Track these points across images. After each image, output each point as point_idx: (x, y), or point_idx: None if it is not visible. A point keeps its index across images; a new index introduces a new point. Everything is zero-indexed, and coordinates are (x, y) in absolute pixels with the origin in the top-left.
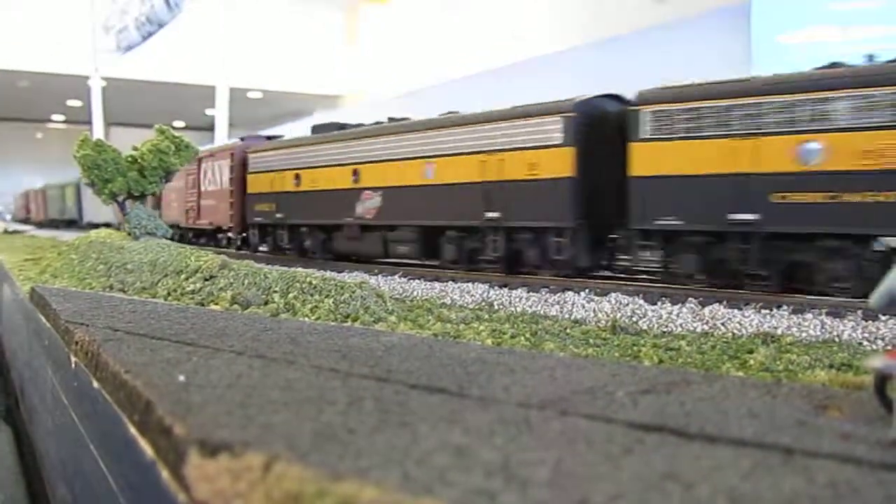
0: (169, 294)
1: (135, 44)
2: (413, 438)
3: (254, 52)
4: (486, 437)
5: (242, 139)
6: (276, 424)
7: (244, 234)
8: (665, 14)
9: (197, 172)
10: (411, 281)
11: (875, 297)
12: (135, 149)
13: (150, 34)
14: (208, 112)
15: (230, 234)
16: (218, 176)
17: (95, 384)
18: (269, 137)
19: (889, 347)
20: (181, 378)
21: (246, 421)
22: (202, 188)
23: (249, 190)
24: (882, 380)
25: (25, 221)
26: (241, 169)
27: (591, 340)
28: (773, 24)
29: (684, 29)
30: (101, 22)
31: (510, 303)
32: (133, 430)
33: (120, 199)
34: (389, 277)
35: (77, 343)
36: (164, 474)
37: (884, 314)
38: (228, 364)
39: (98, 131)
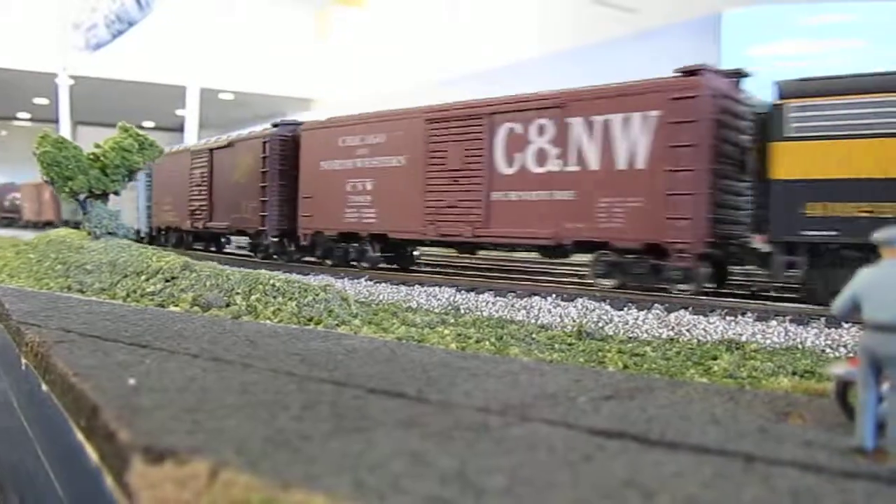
0: (128, 295)
1: (104, 42)
2: (368, 444)
3: (226, 53)
4: (443, 443)
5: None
6: (226, 430)
7: (279, 238)
8: (638, 24)
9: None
10: (377, 284)
11: (837, 303)
12: (97, 146)
13: (121, 32)
14: (178, 112)
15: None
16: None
17: (44, 387)
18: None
19: (851, 355)
20: (131, 381)
21: (195, 426)
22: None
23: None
24: (844, 387)
25: (8, 224)
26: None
27: (556, 345)
28: (743, 37)
29: (656, 39)
30: (70, 19)
31: (476, 307)
32: (80, 436)
33: (81, 197)
34: (355, 281)
35: (28, 344)
36: (109, 482)
37: (846, 321)
38: (183, 367)
39: (65, 130)
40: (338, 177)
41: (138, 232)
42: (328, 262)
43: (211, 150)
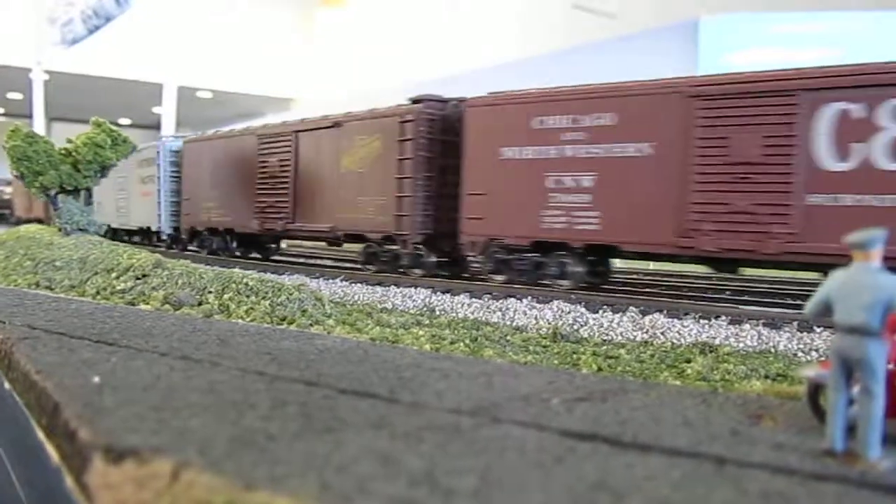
0: (98, 293)
1: (80, 37)
2: (336, 445)
3: (204, 51)
4: (413, 444)
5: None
6: (190, 429)
7: (419, 245)
8: (617, 29)
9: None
10: (353, 285)
11: (809, 306)
12: (69, 141)
13: (97, 28)
14: (155, 110)
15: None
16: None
17: (6, 385)
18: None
19: (823, 358)
20: (96, 379)
21: (159, 425)
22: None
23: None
24: (815, 389)
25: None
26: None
27: (531, 347)
28: (719, 44)
29: (635, 44)
30: (45, 13)
31: (452, 308)
32: (41, 434)
33: (52, 192)
34: (331, 281)
35: None
36: (70, 482)
37: (818, 325)
38: (150, 365)
39: (39, 126)
40: (531, 168)
41: (157, 234)
42: (499, 277)
43: (296, 131)
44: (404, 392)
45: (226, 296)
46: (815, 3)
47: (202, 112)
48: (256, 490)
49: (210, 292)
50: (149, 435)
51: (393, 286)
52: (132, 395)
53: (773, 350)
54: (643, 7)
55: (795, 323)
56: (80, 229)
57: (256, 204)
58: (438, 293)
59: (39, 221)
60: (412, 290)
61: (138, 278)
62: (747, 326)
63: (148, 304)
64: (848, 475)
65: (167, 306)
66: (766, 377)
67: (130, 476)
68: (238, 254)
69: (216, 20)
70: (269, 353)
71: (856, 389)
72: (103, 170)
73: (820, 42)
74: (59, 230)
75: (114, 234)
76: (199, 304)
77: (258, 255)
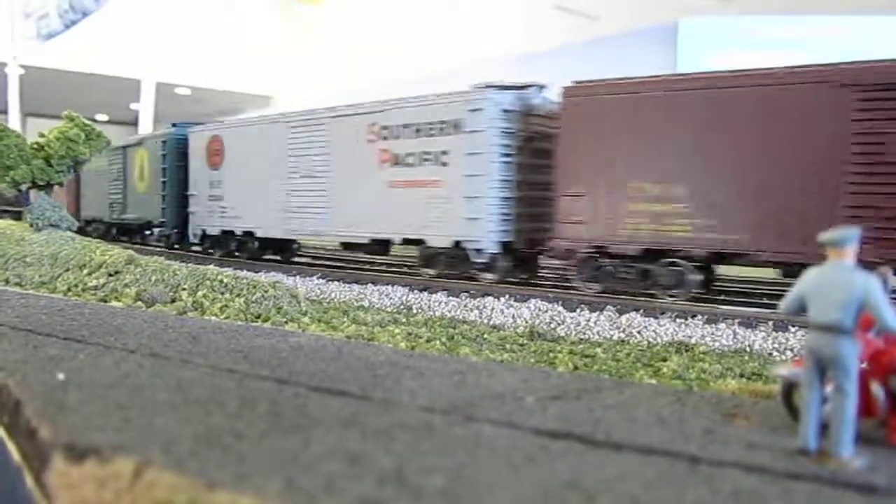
0: (70, 289)
1: (56, 32)
2: (304, 443)
3: (183, 47)
4: (383, 443)
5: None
6: (156, 428)
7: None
8: (598, 31)
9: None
10: (330, 283)
11: (784, 303)
12: (41, 135)
13: (74, 23)
14: (133, 106)
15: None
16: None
17: None
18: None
19: (797, 357)
20: (60, 377)
21: (123, 424)
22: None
23: None
24: (789, 388)
25: None
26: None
27: (507, 346)
28: (698, 46)
29: (616, 46)
30: (20, 7)
31: (429, 307)
32: (2, 433)
33: (23, 187)
34: (307, 278)
35: None
36: (30, 481)
37: (793, 324)
38: (118, 363)
39: (14, 121)
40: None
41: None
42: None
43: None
44: (377, 390)
45: (200, 293)
46: (793, 6)
47: (181, 109)
48: (219, 489)
49: (184, 289)
50: (112, 433)
51: (370, 284)
52: (97, 393)
53: (748, 349)
54: (623, 9)
55: (771, 322)
56: (52, 225)
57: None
58: (416, 291)
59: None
60: (389, 287)
61: (111, 275)
62: (723, 325)
63: (120, 300)
64: (820, 474)
65: (139, 303)
66: (742, 376)
67: (91, 475)
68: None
69: (195, 16)
70: (241, 350)
71: (829, 388)
72: (76, 164)
73: (791, 46)
74: (31, 226)
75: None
76: (173, 300)
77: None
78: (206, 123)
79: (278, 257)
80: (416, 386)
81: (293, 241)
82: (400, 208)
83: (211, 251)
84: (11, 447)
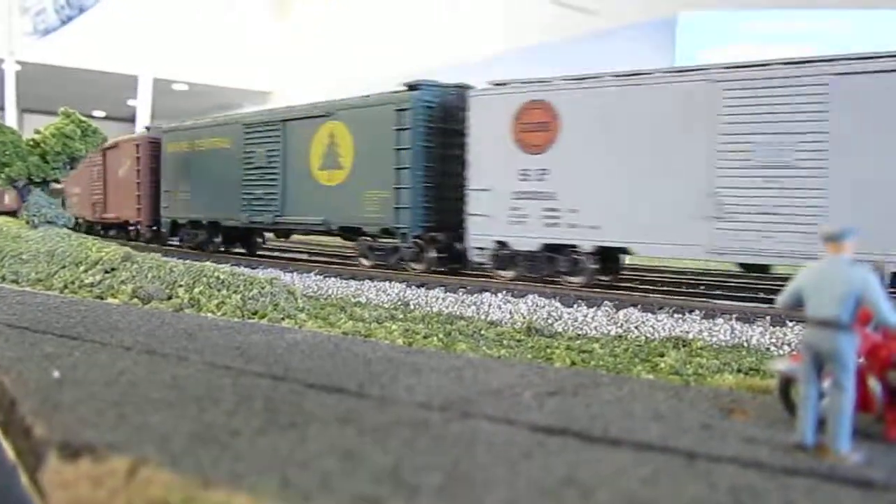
0: (66, 286)
1: (53, 28)
2: (300, 440)
3: (180, 42)
4: (380, 440)
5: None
6: (151, 425)
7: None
8: (597, 24)
9: None
10: (327, 279)
11: (782, 298)
12: (37, 132)
13: (71, 18)
14: (130, 102)
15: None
16: None
17: None
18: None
19: (794, 352)
20: (56, 374)
21: (119, 421)
22: None
23: None
24: (786, 383)
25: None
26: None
27: (504, 342)
28: (695, 40)
29: (614, 39)
30: (17, 2)
31: (427, 303)
32: None
33: (19, 184)
34: (305, 275)
35: None
36: (25, 480)
37: (790, 319)
38: (113, 360)
39: (11, 117)
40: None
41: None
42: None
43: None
44: (374, 387)
45: (196, 289)
46: (791, 1)
47: (178, 104)
48: (214, 487)
49: (180, 286)
50: (107, 431)
51: (367, 280)
52: (93, 391)
53: (745, 344)
54: (622, 3)
55: (768, 317)
56: (48, 222)
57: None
58: (413, 287)
59: (12, 214)
60: (386, 284)
61: (107, 272)
62: (720, 321)
63: (116, 298)
64: (817, 469)
65: (136, 300)
66: (739, 371)
67: (86, 473)
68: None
69: (192, 11)
70: (238, 347)
71: (826, 383)
72: (72, 161)
73: (789, 40)
74: (27, 223)
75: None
76: (169, 297)
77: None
78: (509, 83)
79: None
80: (412, 382)
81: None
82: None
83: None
84: (6, 446)
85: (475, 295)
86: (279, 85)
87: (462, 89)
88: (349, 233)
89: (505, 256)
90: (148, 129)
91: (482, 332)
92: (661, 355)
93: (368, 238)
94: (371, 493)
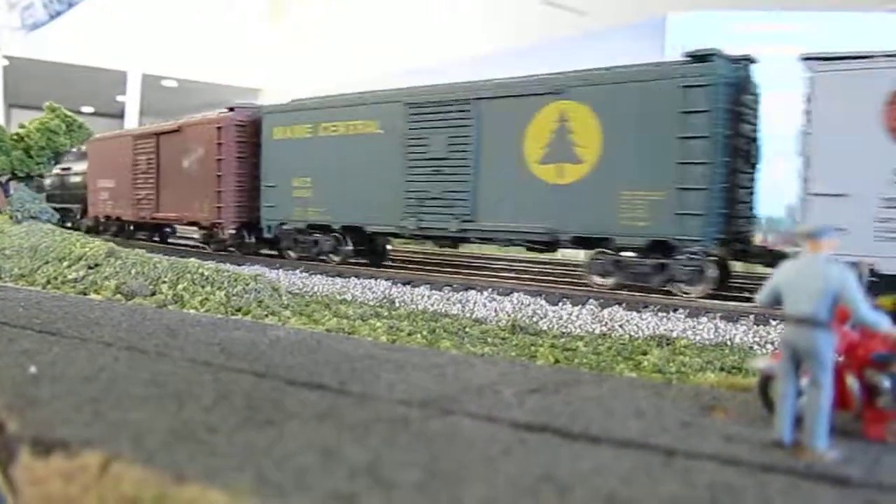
0: (49, 282)
1: (41, 22)
2: (278, 437)
3: (170, 38)
4: (359, 437)
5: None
6: (128, 421)
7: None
8: (586, 25)
9: None
10: (313, 276)
11: (760, 296)
12: (21, 126)
13: (59, 13)
14: (119, 98)
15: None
16: None
17: None
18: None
19: (776, 350)
20: (32, 370)
21: (94, 417)
22: None
23: None
24: (766, 381)
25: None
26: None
27: (489, 339)
28: (685, 41)
29: (604, 40)
30: None
31: (412, 300)
32: None
33: (3, 179)
34: (290, 272)
35: None
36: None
37: (774, 318)
38: (93, 356)
39: None
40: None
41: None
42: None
43: None
44: (355, 383)
45: (180, 286)
46: (782, 2)
47: (168, 101)
48: (188, 483)
49: (164, 282)
50: (81, 427)
51: (353, 277)
52: (70, 386)
53: (729, 343)
54: (611, 4)
55: (752, 316)
56: (32, 217)
57: None
58: (399, 284)
59: None
60: (372, 281)
61: (90, 267)
62: (704, 319)
63: (99, 293)
64: (795, 466)
65: (119, 296)
66: (722, 369)
67: (58, 470)
68: None
69: (181, 7)
70: (219, 343)
71: (805, 381)
72: (57, 156)
73: (782, 41)
74: (11, 218)
75: None
76: (153, 293)
77: None
78: (875, 56)
79: None
80: (394, 379)
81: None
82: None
83: None
84: None
85: (461, 293)
86: (269, 82)
87: (748, 62)
88: (587, 244)
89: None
90: (232, 109)
91: (467, 329)
92: (645, 353)
93: (610, 251)
94: (347, 490)
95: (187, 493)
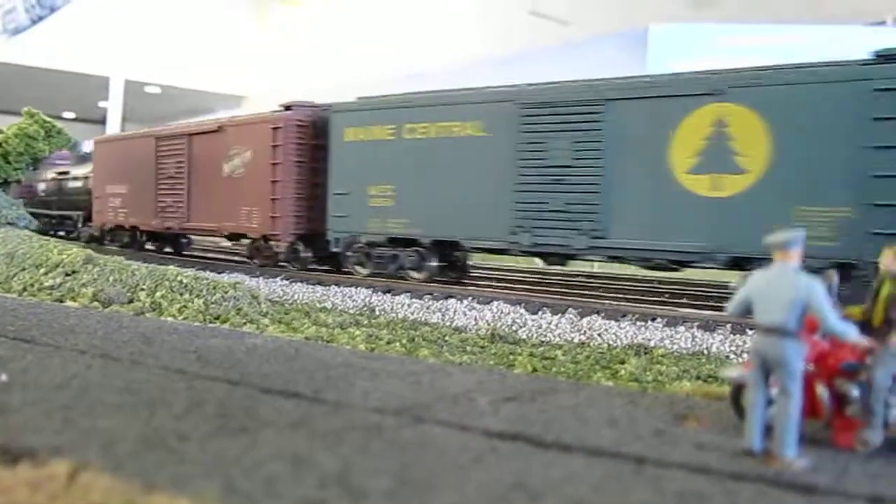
0: (25, 289)
1: (23, 27)
2: (250, 445)
3: (153, 44)
4: (331, 445)
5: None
6: (98, 429)
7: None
8: (570, 35)
9: None
10: (293, 284)
11: (731, 304)
12: None
13: (41, 18)
14: (102, 104)
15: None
16: None
17: None
18: None
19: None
20: (3, 377)
21: (64, 425)
22: None
23: None
24: (737, 390)
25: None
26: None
27: (468, 348)
28: (667, 52)
29: (587, 49)
30: None
31: (392, 308)
32: None
33: None
34: (270, 280)
35: None
36: None
37: (751, 327)
38: (66, 363)
39: None
40: None
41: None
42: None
43: None
44: (330, 391)
45: (158, 293)
46: (762, 15)
47: (151, 108)
48: (156, 491)
49: (142, 289)
50: (51, 435)
51: (333, 285)
52: (42, 394)
53: (706, 352)
54: (595, 14)
55: (729, 325)
56: (9, 223)
57: None
58: (379, 293)
59: None
60: (352, 289)
61: (68, 274)
62: (682, 328)
63: (76, 301)
64: (764, 474)
65: (96, 303)
66: (698, 378)
67: (25, 479)
68: None
69: (165, 13)
70: (196, 351)
71: (775, 390)
72: (35, 162)
73: (759, 54)
74: None
75: None
76: (130, 301)
77: None
78: None
79: None
80: (369, 387)
81: None
82: None
83: None
84: None
85: (441, 301)
86: (253, 89)
87: None
88: (744, 265)
89: None
90: (288, 108)
91: (446, 338)
92: (622, 362)
93: None
94: (317, 497)
95: (155, 501)
